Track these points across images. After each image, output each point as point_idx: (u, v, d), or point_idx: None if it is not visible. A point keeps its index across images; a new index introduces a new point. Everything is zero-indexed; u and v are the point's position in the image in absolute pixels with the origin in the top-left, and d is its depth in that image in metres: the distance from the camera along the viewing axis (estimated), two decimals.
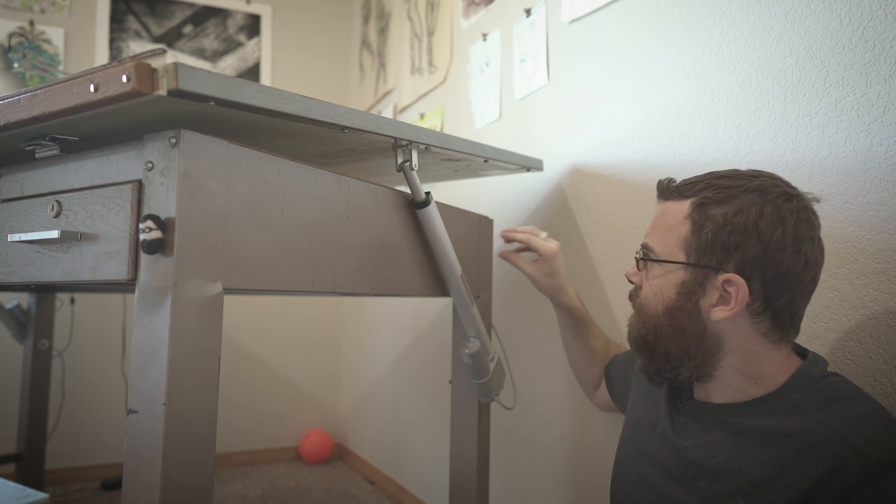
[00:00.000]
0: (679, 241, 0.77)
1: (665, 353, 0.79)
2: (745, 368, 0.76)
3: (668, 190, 0.82)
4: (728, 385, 0.77)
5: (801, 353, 0.79)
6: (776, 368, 0.75)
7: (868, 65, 0.85)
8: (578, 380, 1.26)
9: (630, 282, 0.87)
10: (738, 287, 0.73)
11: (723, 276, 0.73)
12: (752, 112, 1.01)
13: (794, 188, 0.76)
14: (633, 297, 0.88)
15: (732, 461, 0.73)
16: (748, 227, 0.73)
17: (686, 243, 0.77)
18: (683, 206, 0.78)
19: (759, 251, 0.72)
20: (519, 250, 1.26)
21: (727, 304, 0.74)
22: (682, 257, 0.77)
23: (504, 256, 1.24)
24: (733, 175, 0.78)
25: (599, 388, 1.20)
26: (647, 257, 0.82)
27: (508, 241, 1.24)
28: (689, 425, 0.81)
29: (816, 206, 0.77)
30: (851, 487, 0.63)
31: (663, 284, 0.79)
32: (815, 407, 0.70)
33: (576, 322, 1.20)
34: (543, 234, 1.20)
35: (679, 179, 0.82)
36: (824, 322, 0.89)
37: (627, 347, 1.21)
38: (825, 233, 0.90)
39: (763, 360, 0.75)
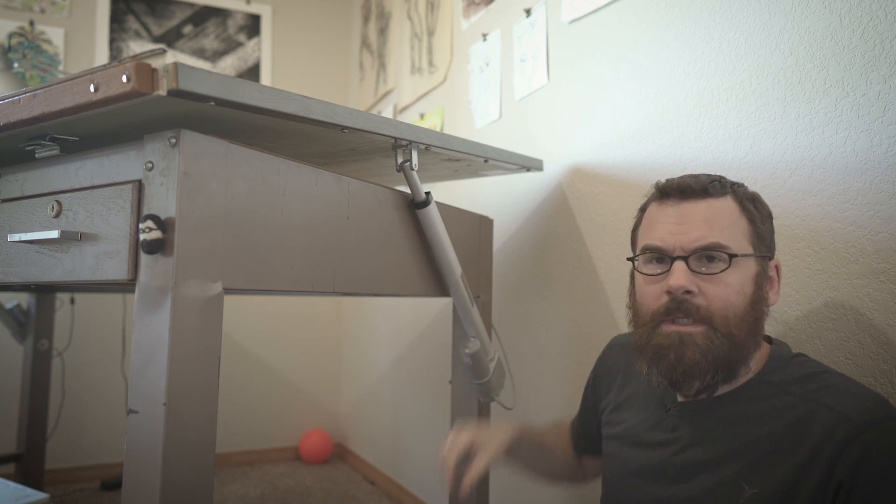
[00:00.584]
0: (745, 235, 0.78)
1: (747, 354, 0.76)
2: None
3: (705, 189, 0.79)
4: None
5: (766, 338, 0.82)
6: (758, 353, 0.78)
7: (868, 65, 0.85)
8: (568, 482, 1.14)
9: (688, 292, 0.75)
10: (780, 269, 0.81)
11: (773, 262, 0.81)
12: (752, 112, 1.01)
13: None
14: (684, 309, 0.76)
15: (729, 449, 0.76)
16: (771, 216, 0.82)
17: (750, 236, 0.78)
18: (729, 203, 0.78)
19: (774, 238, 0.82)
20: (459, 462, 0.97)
21: (773, 287, 0.80)
22: (750, 250, 0.78)
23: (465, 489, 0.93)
24: (716, 175, 0.83)
25: (580, 462, 1.10)
26: (732, 255, 0.76)
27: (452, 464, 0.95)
28: (681, 425, 0.82)
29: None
30: (840, 448, 0.67)
31: (743, 280, 0.76)
32: (794, 385, 0.75)
33: (537, 440, 1.06)
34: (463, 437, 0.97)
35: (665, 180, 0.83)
36: (824, 322, 0.89)
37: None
38: (826, 232, 0.90)
39: (759, 344, 0.79)
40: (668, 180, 0.82)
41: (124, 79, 0.59)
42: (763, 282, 0.78)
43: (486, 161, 1.22)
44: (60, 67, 2.49)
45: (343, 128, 0.83)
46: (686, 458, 0.79)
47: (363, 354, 2.72)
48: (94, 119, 0.69)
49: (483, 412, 1.28)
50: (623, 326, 1.26)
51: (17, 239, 0.76)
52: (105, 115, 0.67)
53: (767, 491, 0.71)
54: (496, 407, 1.56)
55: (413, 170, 1.00)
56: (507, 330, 1.61)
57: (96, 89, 0.61)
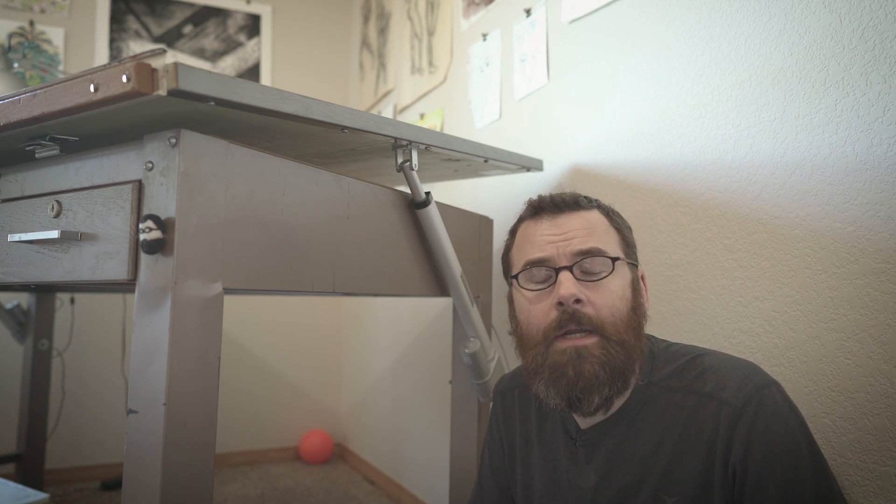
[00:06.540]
0: (617, 243, 0.81)
1: (636, 361, 0.76)
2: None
3: (576, 202, 0.82)
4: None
5: None
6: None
7: (868, 65, 0.85)
8: None
9: (577, 301, 0.75)
10: (645, 278, 0.85)
11: (641, 272, 0.84)
12: (752, 112, 1.01)
13: None
14: (577, 319, 0.74)
15: (643, 466, 0.76)
16: (631, 230, 0.86)
17: (621, 244, 0.82)
18: (597, 214, 0.83)
19: None
20: None
21: (644, 295, 0.83)
22: (623, 257, 0.81)
23: None
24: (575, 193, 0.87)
25: None
26: (614, 258, 0.78)
27: None
28: (592, 454, 0.81)
29: None
30: (729, 432, 0.70)
31: (623, 286, 0.78)
32: (675, 379, 0.77)
33: None
34: None
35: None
36: (824, 322, 0.89)
37: None
38: (826, 232, 0.90)
39: (644, 350, 0.81)
40: (539, 196, 0.85)
41: (124, 79, 0.59)
42: (638, 288, 0.81)
43: (486, 161, 1.22)
44: (60, 67, 2.49)
45: (343, 128, 0.83)
46: (609, 491, 0.78)
47: (363, 354, 2.72)
48: (94, 119, 0.69)
49: (483, 412, 1.28)
50: None
51: (17, 239, 0.76)
52: (105, 115, 0.67)
53: (686, 496, 0.72)
54: None
55: (413, 170, 1.00)
56: (507, 330, 1.61)
57: (96, 89, 0.61)
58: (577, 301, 0.74)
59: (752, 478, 0.68)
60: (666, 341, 0.84)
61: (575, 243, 0.78)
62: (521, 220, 0.87)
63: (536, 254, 0.79)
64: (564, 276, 0.76)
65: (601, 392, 0.74)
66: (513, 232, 0.88)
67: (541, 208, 0.83)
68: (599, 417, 0.80)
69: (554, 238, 0.79)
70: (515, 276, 0.82)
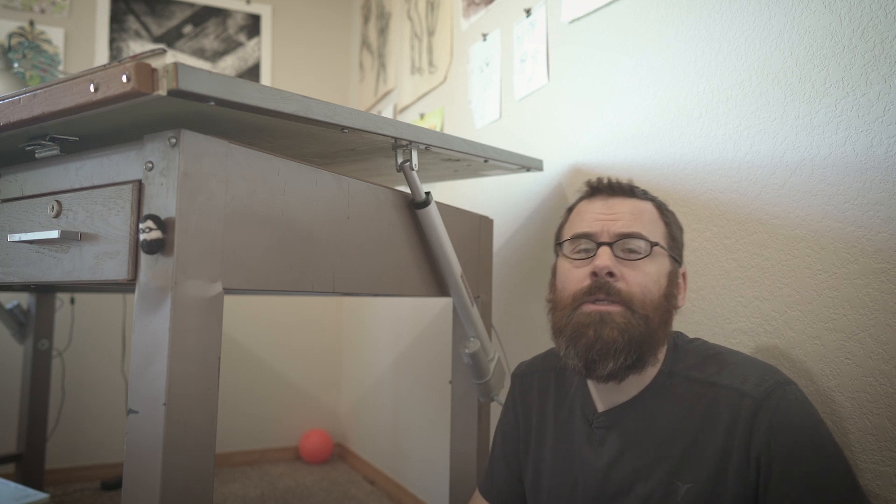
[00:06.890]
0: (663, 235, 0.85)
1: (657, 343, 0.81)
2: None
3: (632, 190, 0.88)
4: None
5: None
6: (664, 348, 0.84)
7: (868, 65, 0.85)
8: None
9: (611, 274, 0.79)
10: (686, 277, 0.89)
11: (682, 269, 0.88)
12: (752, 112, 1.01)
13: None
14: (606, 290, 0.79)
15: (657, 452, 0.78)
16: (682, 231, 0.91)
17: (666, 238, 0.85)
18: (650, 206, 0.86)
19: None
20: None
21: (681, 292, 0.87)
22: (667, 249, 0.85)
23: None
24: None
25: None
26: (654, 243, 0.82)
27: None
28: (608, 437, 0.84)
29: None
30: (748, 425, 0.72)
31: (659, 272, 0.82)
32: (695, 371, 0.80)
33: None
34: None
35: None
36: (824, 322, 0.89)
37: None
38: (826, 232, 0.90)
39: (667, 338, 0.85)
40: (598, 179, 0.90)
41: (124, 79, 0.59)
42: (675, 281, 0.85)
43: (486, 161, 1.22)
44: (60, 67, 2.49)
45: (343, 128, 0.83)
46: (622, 471, 0.81)
47: (363, 354, 2.72)
48: (94, 119, 0.69)
49: (483, 412, 1.28)
50: None
51: (17, 239, 0.76)
52: (105, 115, 0.67)
53: (700, 483, 0.74)
54: (496, 407, 1.56)
55: (413, 170, 1.00)
56: (507, 330, 1.61)
57: (96, 89, 0.61)
58: (611, 274, 0.80)
59: (777, 467, 0.69)
60: (697, 338, 0.88)
61: (620, 224, 0.83)
62: (578, 200, 0.92)
63: (584, 228, 0.85)
64: (603, 250, 0.81)
65: (616, 358, 0.77)
66: (569, 210, 0.94)
67: (597, 189, 0.89)
68: (618, 400, 0.83)
69: (602, 217, 0.84)
70: (561, 244, 0.88)
